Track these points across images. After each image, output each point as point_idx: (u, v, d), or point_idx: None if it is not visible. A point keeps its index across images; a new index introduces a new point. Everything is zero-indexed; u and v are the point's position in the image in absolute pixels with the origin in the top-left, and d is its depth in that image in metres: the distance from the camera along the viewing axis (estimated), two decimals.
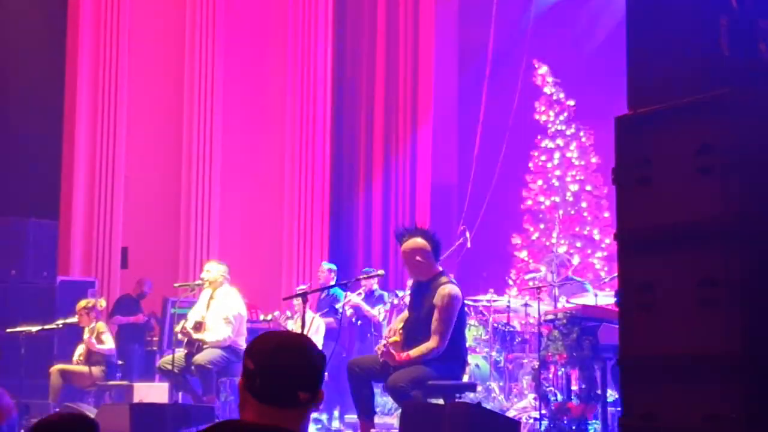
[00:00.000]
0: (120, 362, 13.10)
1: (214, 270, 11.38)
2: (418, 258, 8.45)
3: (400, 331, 8.50)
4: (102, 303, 13.34)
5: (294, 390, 2.85)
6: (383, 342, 8.49)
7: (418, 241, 8.45)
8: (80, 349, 12.73)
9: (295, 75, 17.11)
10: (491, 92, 16.48)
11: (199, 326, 11.07)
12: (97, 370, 12.54)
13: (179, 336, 11.14)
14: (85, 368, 12.56)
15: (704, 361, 4.67)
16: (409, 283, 12.97)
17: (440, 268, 8.58)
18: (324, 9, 17.28)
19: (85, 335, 12.71)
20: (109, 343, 12.70)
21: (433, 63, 16.85)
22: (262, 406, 2.84)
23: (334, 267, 13.75)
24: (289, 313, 13.07)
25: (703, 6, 4.92)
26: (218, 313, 11.11)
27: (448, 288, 8.32)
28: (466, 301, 12.36)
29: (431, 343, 8.21)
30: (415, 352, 8.21)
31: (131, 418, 9.55)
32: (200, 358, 10.84)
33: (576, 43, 16.33)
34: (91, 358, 12.61)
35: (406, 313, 8.82)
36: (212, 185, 16.72)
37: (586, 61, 16.06)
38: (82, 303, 12.95)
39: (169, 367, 10.89)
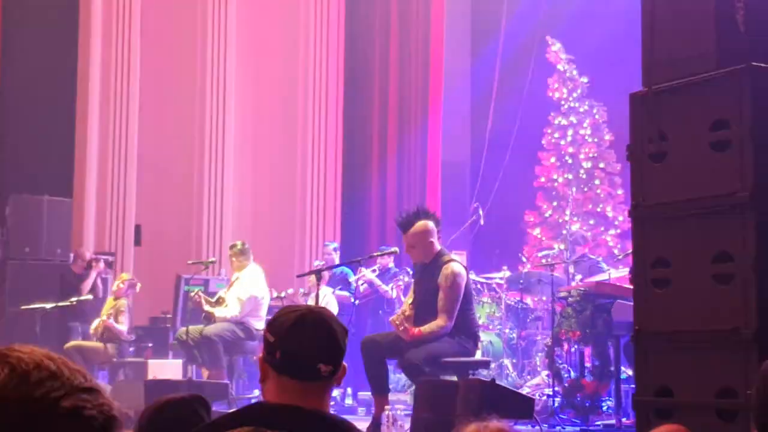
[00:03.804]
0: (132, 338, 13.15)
1: (236, 253, 11.50)
2: (431, 239, 8.47)
3: (411, 306, 8.53)
4: (138, 286, 13.41)
5: (315, 362, 2.82)
6: (399, 313, 8.52)
7: (429, 224, 8.47)
8: (97, 322, 12.77)
9: (307, 54, 17.07)
10: (504, 69, 16.45)
11: (221, 301, 11.25)
12: (111, 347, 12.59)
13: (192, 299, 11.30)
14: (100, 345, 12.61)
15: (719, 336, 4.67)
16: None
17: (439, 248, 8.60)
18: None
19: (104, 315, 12.75)
20: (123, 325, 12.73)
21: (445, 40, 16.80)
22: (283, 380, 2.82)
23: (336, 245, 13.85)
24: (302, 291, 13.10)
25: None
26: (234, 292, 11.25)
27: (451, 266, 8.34)
28: (479, 279, 12.43)
29: (439, 321, 8.25)
30: (426, 329, 8.24)
31: (146, 395, 9.60)
32: (208, 329, 11.01)
33: (589, 20, 16.25)
34: (105, 334, 12.66)
35: (411, 293, 8.83)
36: (225, 163, 16.72)
37: (599, 37, 15.98)
38: (126, 276, 13.08)
39: (185, 338, 11.01)
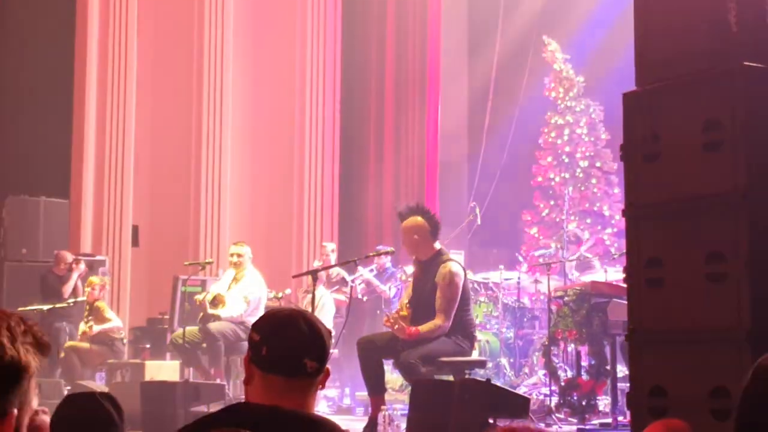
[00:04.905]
0: (123, 339, 13.15)
1: (243, 253, 11.51)
2: (415, 237, 8.50)
3: (407, 305, 8.53)
4: (107, 279, 13.40)
5: (300, 357, 2.83)
6: (393, 313, 8.53)
7: (417, 220, 8.50)
8: (82, 327, 12.77)
9: (304, 55, 17.06)
10: (501, 69, 16.46)
11: (217, 301, 11.23)
12: (97, 348, 12.58)
13: (199, 302, 11.33)
14: (87, 345, 12.61)
15: (713, 335, 4.68)
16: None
17: (438, 247, 8.60)
18: None
19: (86, 323, 12.76)
20: (114, 320, 12.74)
21: (441, 39, 16.81)
22: (269, 377, 2.83)
23: (334, 246, 13.88)
24: (303, 289, 13.10)
25: None
26: (239, 292, 11.26)
27: (449, 266, 8.34)
28: (475, 278, 12.43)
29: (437, 320, 8.25)
30: (424, 328, 8.24)
31: (142, 396, 9.61)
32: (213, 326, 11.04)
33: (585, 19, 16.27)
34: (96, 337, 12.66)
35: (410, 290, 8.83)
36: (222, 164, 16.70)
37: (595, 37, 16.01)
38: (97, 279, 13.03)
39: (181, 341, 11.00)
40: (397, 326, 8.29)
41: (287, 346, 2.85)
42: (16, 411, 2.07)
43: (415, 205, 8.88)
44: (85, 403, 3.71)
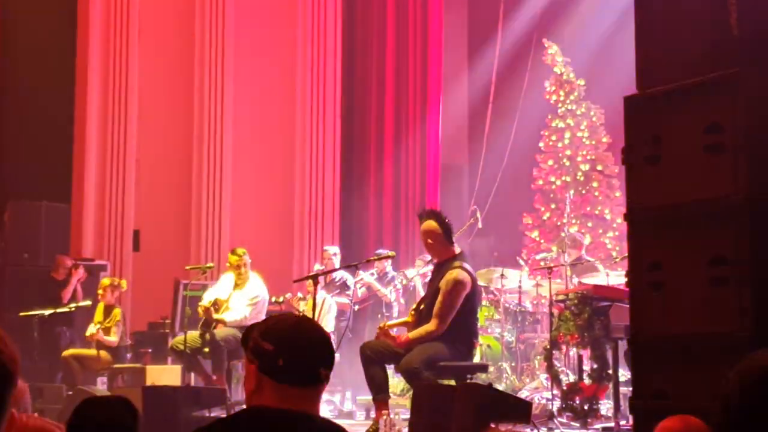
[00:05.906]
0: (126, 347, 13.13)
1: (244, 262, 11.47)
2: (429, 240, 8.57)
3: (413, 312, 8.56)
4: (124, 284, 13.37)
5: (317, 367, 2.87)
6: (381, 324, 8.60)
7: (431, 224, 8.54)
8: (92, 329, 12.72)
9: (305, 59, 17.06)
10: (501, 72, 16.45)
11: (218, 306, 11.19)
12: (105, 354, 12.56)
13: (200, 312, 11.25)
14: (94, 352, 12.58)
15: (715, 340, 4.67)
16: (419, 263, 13.06)
17: (456, 251, 8.61)
18: None
19: (95, 323, 12.70)
20: (114, 336, 12.64)
21: (442, 43, 16.80)
22: (284, 387, 2.83)
23: (337, 250, 13.87)
24: (300, 294, 13.11)
25: None
26: (243, 296, 11.25)
27: (455, 273, 8.35)
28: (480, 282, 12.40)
29: (430, 325, 8.30)
30: (414, 335, 8.28)
31: (144, 401, 9.58)
32: (218, 333, 11.03)
33: (586, 22, 16.25)
34: (99, 342, 12.63)
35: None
36: (223, 168, 16.71)
37: (596, 39, 15.99)
38: (107, 281, 12.99)
39: (182, 347, 10.96)
40: (384, 338, 8.37)
41: (305, 357, 2.87)
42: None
43: (429, 209, 8.96)
44: (99, 409, 3.70)
